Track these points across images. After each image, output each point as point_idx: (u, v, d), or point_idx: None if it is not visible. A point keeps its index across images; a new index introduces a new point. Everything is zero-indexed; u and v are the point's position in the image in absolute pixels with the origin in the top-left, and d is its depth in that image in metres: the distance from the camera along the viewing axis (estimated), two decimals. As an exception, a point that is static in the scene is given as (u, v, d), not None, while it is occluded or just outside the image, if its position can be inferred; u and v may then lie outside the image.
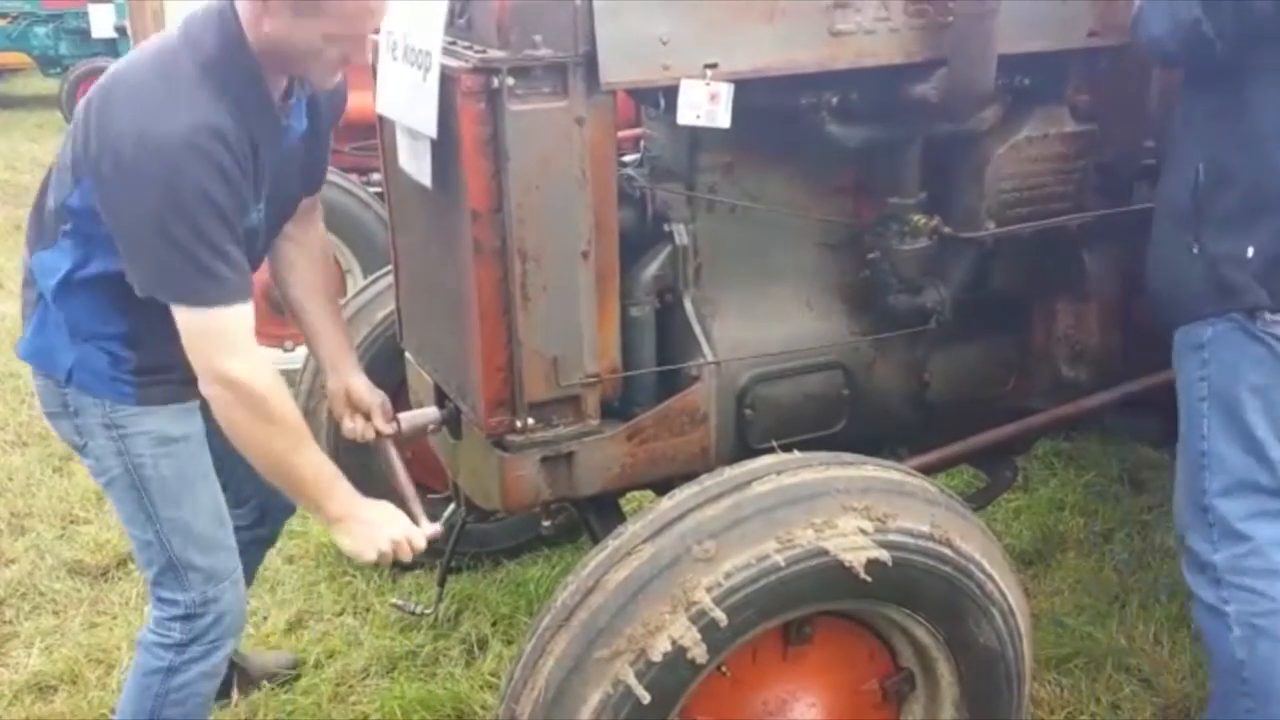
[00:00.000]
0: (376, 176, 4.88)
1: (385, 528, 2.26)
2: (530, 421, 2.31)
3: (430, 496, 3.45)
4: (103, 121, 2.05)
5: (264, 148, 2.15)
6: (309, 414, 3.28)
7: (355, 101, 5.26)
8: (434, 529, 2.37)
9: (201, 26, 2.10)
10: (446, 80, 2.13)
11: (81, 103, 2.16)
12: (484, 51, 2.11)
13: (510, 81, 2.08)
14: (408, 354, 2.86)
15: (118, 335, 2.24)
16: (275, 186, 2.25)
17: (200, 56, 2.07)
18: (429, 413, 2.63)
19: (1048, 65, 2.60)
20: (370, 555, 2.25)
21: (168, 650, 2.40)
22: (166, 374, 2.26)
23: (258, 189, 2.19)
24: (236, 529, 2.53)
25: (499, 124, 2.11)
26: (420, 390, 2.79)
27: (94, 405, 2.28)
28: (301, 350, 3.79)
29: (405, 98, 2.31)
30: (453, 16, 2.19)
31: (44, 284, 2.26)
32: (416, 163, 2.35)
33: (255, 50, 2.09)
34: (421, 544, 2.29)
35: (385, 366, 3.24)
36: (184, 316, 2.07)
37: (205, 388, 2.13)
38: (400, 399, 2.89)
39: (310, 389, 3.38)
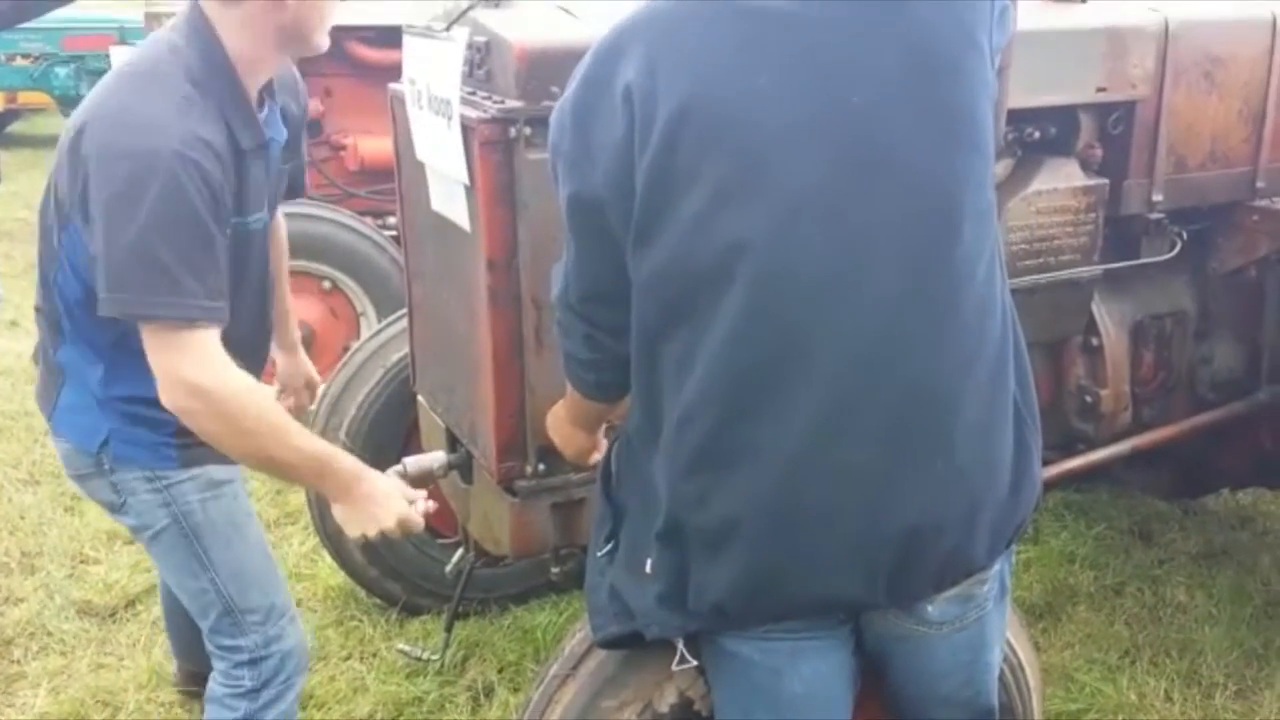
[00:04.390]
0: (392, 220, 4.92)
1: (384, 508, 2.15)
2: (541, 468, 2.32)
3: (440, 541, 3.45)
4: (91, 144, 1.97)
5: (251, 158, 2.13)
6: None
7: (371, 146, 5.34)
8: (428, 506, 2.25)
9: (185, 42, 2.08)
10: (464, 130, 2.16)
11: (64, 141, 2.06)
12: (502, 101, 2.15)
13: (528, 131, 2.11)
14: (420, 397, 2.87)
15: (152, 397, 2.06)
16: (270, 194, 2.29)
17: (189, 73, 2.04)
18: (437, 456, 2.63)
19: (1058, 119, 2.62)
20: (371, 531, 2.16)
21: (241, 699, 2.33)
22: None
23: (258, 196, 2.19)
24: None
25: (516, 173, 2.14)
26: (432, 434, 2.80)
27: (134, 465, 2.24)
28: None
29: (436, 145, 2.33)
30: (472, 68, 2.23)
31: (66, 360, 2.21)
32: (452, 206, 2.36)
33: (233, 61, 2.08)
34: (417, 526, 2.20)
35: (398, 409, 3.26)
36: (154, 334, 1.98)
37: (172, 401, 1.99)
38: (412, 442, 2.88)
39: (324, 429, 3.39)
